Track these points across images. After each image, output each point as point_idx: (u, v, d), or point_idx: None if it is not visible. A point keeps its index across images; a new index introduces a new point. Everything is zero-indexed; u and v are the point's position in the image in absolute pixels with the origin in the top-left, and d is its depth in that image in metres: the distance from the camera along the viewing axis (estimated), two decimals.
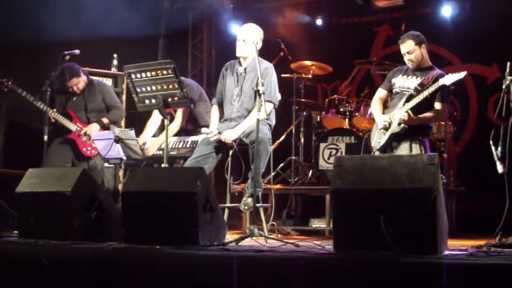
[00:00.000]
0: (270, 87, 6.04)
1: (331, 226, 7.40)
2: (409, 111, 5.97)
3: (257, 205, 5.67)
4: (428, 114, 6.07)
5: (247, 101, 6.02)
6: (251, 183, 5.80)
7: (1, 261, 4.29)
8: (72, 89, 7.12)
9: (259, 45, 6.14)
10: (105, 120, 7.15)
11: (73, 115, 7.08)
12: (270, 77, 6.07)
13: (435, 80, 6.02)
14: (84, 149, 7.01)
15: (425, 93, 5.93)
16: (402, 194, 3.85)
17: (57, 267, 4.06)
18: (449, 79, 5.83)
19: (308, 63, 8.64)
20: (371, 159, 4.15)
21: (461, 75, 5.81)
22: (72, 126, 7.01)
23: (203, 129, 6.16)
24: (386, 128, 6.13)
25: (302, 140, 8.81)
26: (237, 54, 6.21)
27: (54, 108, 7.00)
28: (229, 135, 5.92)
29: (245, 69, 6.19)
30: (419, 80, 6.12)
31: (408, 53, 6.16)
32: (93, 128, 7.03)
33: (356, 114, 8.09)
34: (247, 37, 6.15)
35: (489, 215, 8.37)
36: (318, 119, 8.64)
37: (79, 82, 7.13)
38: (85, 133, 6.97)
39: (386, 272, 3.43)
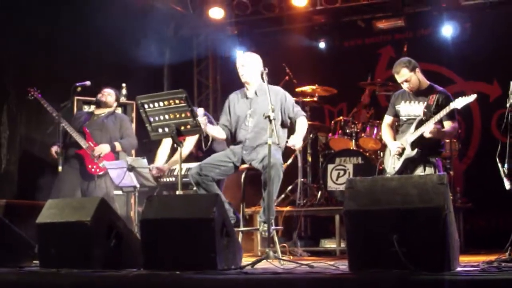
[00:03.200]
0: (294, 104, 6.33)
1: (341, 246, 7.52)
2: (438, 126, 6.08)
3: (273, 227, 5.77)
4: (447, 129, 6.19)
5: (262, 121, 6.03)
6: (263, 211, 5.93)
7: None
8: (100, 98, 7.43)
9: (260, 69, 6.27)
10: (117, 145, 7.32)
11: (88, 134, 7.24)
12: (291, 99, 6.35)
13: (439, 99, 6.13)
14: (90, 166, 7.13)
15: (437, 117, 6.03)
16: (413, 214, 3.94)
17: None
18: (459, 103, 5.94)
19: (312, 87, 8.76)
20: (382, 181, 4.25)
21: (471, 98, 5.91)
22: (83, 143, 7.15)
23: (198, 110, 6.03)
24: (400, 154, 6.25)
25: (310, 162, 8.92)
26: (242, 80, 6.33)
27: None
28: (296, 142, 6.03)
29: (255, 92, 6.31)
30: (422, 105, 6.22)
31: (405, 81, 6.24)
32: (104, 149, 7.20)
33: (363, 135, 8.19)
34: (245, 61, 6.32)
35: (497, 231, 8.53)
36: (325, 140, 8.76)
37: (110, 95, 7.48)
38: (94, 151, 7.11)
39: None
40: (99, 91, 7.55)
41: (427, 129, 6.06)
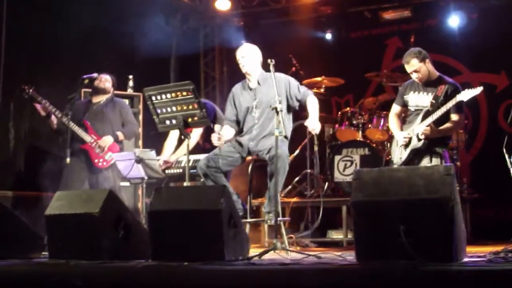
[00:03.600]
0: (299, 86, 6.35)
1: (348, 237, 7.55)
2: (431, 125, 6.09)
3: (280, 219, 5.78)
4: (447, 125, 6.18)
5: (268, 111, 6.12)
6: (268, 202, 5.96)
7: (34, 282, 4.40)
8: (98, 84, 7.30)
9: (260, 60, 6.32)
10: (119, 134, 7.26)
11: (89, 126, 7.15)
12: (295, 81, 6.36)
13: (448, 91, 6.13)
14: (96, 161, 7.07)
15: (443, 109, 6.03)
16: (420, 205, 3.97)
17: (89, 286, 4.17)
18: (466, 95, 5.93)
19: (319, 78, 8.77)
20: (389, 172, 4.27)
21: (477, 91, 5.90)
22: (86, 137, 7.09)
23: (216, 128, 6.21)
24: (406, 144, 6.25)
25: (317, 153, 8.92)
26: (243, 70, 6.34)
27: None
28: (315, 126, 6.02)
29: (258, 81, 6.32)
30: (430, 95, 6.22)
31: (415, 71, 6.24)
32: (107, 141, 7.14)
33: (369, 126, 8.21)
34: (244, 53, 6.33)
35: (504, 222, 8.53)
36: (332, 132, 8.77)
37: (108, 80, 7.35)
38: (98, 145, 7.10)
39: (409, 280, 3.53)
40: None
41: (419, 131, 6.11)
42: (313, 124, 6.00)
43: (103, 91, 7.39)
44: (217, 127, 6.12)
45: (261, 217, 6.73)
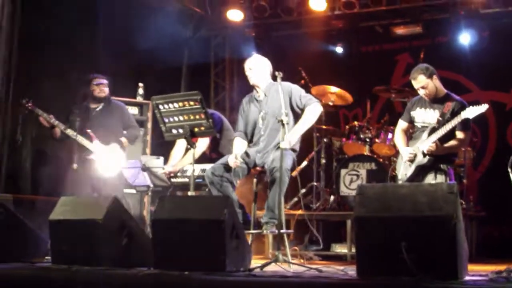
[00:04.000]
0: (306, 94, 6.27)
1: (352, 251, 7.52)
2: (437, 142, 6.08)
3: (282, 231, 5.77)
4: (453, 143, 6.15)
5: (273, 122, 6.09)
6: (265, 212, 5.95)
7: (36, 287, 4.44)
8: (97, 93, 7.21)
9: (269, 71, 6.30)
10: (123, 140, 7.23)
11: (91, 135, 7.07)
12: (299, 89, 6.27)
13: (454, 108, 6.12)
14: (101, 168, 7.02)
15: (448, 126, 6.00)
16: (423, 222, 3.97)
17: None
18: (471, 112, 5.90)
19: (330, 89, 8.76)
20: (392, 188, 4.27)
21: (482, 108, 5.86)
22: (91, 146, 7.02)
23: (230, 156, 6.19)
24: (411, 160, 6.24)
25: (323, 166, 8.93)
26: (250, 82, 6.35)
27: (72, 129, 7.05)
28: (285, 142, 5.67)
29: (264, 93, 6.31)
30: (437, 112, 6.21)
31: (422, 87, 6.21)
32: (115, 149, 7.11)
33: (377, 140, 8.20)
34: (252, 65, 6.34)
35: (510, 240, 8.49)
36: (339, 145, 8.77)
37: (106, 86, 7.27)
38: (105, 154, 7.07)
39: None
40: (87, 85, 7.29)
41: (424, 147, 6.09)
42: (286, 138, 5.69)
43: (103, 99, 7.32)
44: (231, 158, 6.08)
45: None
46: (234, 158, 6.02)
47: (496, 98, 9.17)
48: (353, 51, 10.29)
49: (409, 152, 6.24)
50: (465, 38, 9.31)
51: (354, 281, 4.02)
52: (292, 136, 5.93)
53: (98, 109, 7.28)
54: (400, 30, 9.79)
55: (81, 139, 6.99)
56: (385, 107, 9.37)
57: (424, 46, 9.22)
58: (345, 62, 10.27)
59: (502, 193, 7.02)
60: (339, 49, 10.30)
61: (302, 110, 6.17)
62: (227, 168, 6.06)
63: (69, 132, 6.95)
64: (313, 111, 6.14)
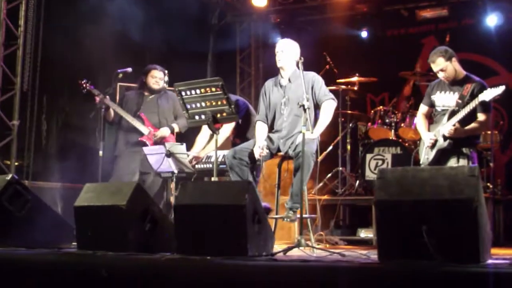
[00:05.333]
0: (325, 88, 6.26)
1: None
2: (457, 124, 6.03)
3: (304, 216, 5.78)
4: (473, 125, 6.12)
5: (296, 108, 6.05)
6: (290, 198, 5.97)
7: (62, 272, 4.50)
8: (152, 84, 7.53)
9: (297, 57, 6.27)
10: (175, 126, 7.49)
11: (145, 118, 7.41)
12: (321, 82, 6.27)
13: (474, 90, 6.07)
14: None
15: (467, 109, 5.97)
16: (443, 205, 3.94)
17: (114, 277, 4.24)
18: (488, 94, 5.85)
19: (354, 74, 8.74)
20: (413, 171, 4.24)
21: (499, 90, 5.81)
22: (144, 129, 7.33)
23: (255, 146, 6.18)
24: (433, 145, 6.21)
25: (349, 151, 8.92)
26: (278, 65, 6.34)
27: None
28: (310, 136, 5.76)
29: (289, 79, 6.31)
30: (456, 95, 6.17)
31: (441, 70, 6.20)
32: (164, 132, 7.38)
33: (402, 125, 8.17)
34: (284, 47, 6.34)
35: None
36: (364, 130, 8.75)
37: (162, 79, 7.56)
38: (156, 136, 7.27)
39: (429, 281, 3.52)
40: (145, 75, 7.60)
41: (445, 131, 6.05)
42: (309, 133, 5.70)
43: (157, 91, 7.58)
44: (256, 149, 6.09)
45: None
46: (259, 149, 6.02)
47: None
48: (378, 35, 10.24)
49: (430, 137, 6.22)
50: (492, 20, 9.21)
51: (375, 265, 4.01)
52: (315, 134, 5.98)
53: (152, 96, 7.59)
54: (425, 13, 9.72)
55: (135, 122, 7.30)
56: (412, 91, 9.29)
57: (450, 29, 9.16)
58: (370, 46, 10.21)
59: None
60: (364, 34, 10.25)
61: (317, 102, 6.20)
62: (251, 157, 6.06)
63: (123, 113, 7.28)
64: (329, 110, 6.17)
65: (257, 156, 6.01)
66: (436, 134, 6.20)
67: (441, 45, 7.91)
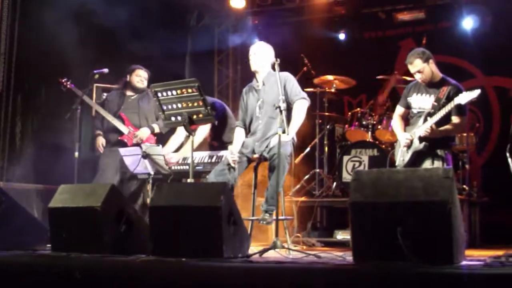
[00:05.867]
0: (297, 88, 6.19)
1: None
2: (433, 125, 6.06)
3: (280, 217, 5.77)
4: (448, 127, 6.15)
5: (270, 110, 6.06)
6: (265, 200, 5.92)
7: (36, 274, 4.46)
8: (136, 83, 7.53)
9: (271, 60, 6.25)
10: (155, 127, 7.47)
11: (125, 118, 7.40)
12: (293, 81, 6.22)
13: (450, 93, 6.10)
14: None
15: (442, 111, 6.01)
16: (418, 207, 3.96)
17: (88, 279, 4.21)
18: (463, 98, 5.89)
19: (330, 77, 8.77)
20: (388, 173, 4.25)
21: (474, 94, 5.85)
22: (124, 128, 7.32)
23: (227, 152, 6.19)
24: (408, 146, 6.24)
25: (326, 153, 8.93)
26: (252, 68, 6.34)
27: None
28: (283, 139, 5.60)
29: (263, 82, 6.29)
30: (433, 97, 6.19)
31: (418, 72, 6.22)
32: (144, 132, 7.36)
33: (379, 127, 8.19)
34: (257, 50, 6.33)
35: None
36: (342, 132, 8.77)
37: (146, 79, 7.56)
38: (136, 136, 7.25)
39: (403, 282, 3.54)
40: (129, 74, 7.58)
41: (420, 132, 6.09)
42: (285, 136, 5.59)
43: (141, 89, 7.56)
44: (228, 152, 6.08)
45: None
46: (230, 154, 6.00)
47: (500, 83, 9.15)
48: (356, 38, 10.24)
49: (406, 137, 6.24)
50: (468, 23, 9.26)
51: (350, 267, 4.03)
52: (289, 135, 5.87)
53: (134, 97, 7.58)
54: (403, 16, 9.77)
55: (115, 121, 7.30)
56: (390, 93, 9.33)
57: (427, 32, 9.19)
58: (348, 48, 10.22)
59: (506, 178, 6.99)
60: (341, 36, 10.25)
61: (289, 102, 6.08)
62: (229, 168, 6.02)
63: (104, 113, 7.30)
64: (301, 110, 6.12)
65: (230, 161, 5.98)
66: (412, 135, 6.23)
67: (418, 48, 7.99)
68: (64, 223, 4.98)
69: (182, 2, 10.05)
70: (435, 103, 6.12)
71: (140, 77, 7.55)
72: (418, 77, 6.25)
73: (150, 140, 7.39)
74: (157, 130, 7.48)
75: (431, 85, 6.26)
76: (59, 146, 7.92)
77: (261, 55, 6.30)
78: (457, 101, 5.91)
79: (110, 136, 7.42)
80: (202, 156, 6.84)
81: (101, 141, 7.38)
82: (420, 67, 6.19)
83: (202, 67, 10.65)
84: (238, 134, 6.36)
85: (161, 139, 7.54)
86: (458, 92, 6.06)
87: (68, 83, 7.21)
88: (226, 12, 10.60)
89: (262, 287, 3.81)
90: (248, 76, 6.79)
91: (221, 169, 6.03)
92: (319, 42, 10.09)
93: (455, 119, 6.14)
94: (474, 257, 4.78)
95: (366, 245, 4.10)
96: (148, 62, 8.57)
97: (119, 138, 7.35)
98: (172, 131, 7.31)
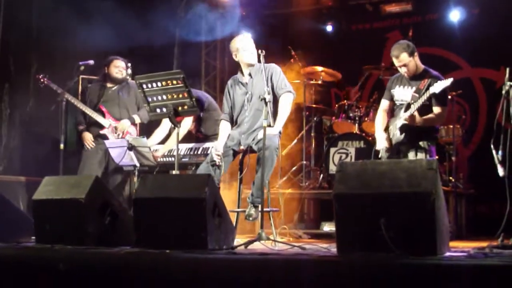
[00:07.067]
0: (283, 80, 6.11)
1: None
2: (414, 113, 6.05)
3: (266, 209, 5.76)
4: (429, 116, 6.15)
5: (258, 103, 6.02)
6: (253, 193, 5.89)
7: (20, 266, 4.45)
8: (115, 74, 7.47)
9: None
10: (135, 117, 7.42)
11: (105, 111, 7.36)
12: (279, 73, 6.14)
13: (429, 84, 6.07)
14: None
15: (420, 101, 6.00)
16: (401, 198, 3.97)
17: (72, 271, 4.21)
18: (438, 86, 5.88)
19: (318, 69, 8.77)
20: (372, 165, 4.25)
21: (447, 82, 5.85)
22: (104, 122, 7.29)
23: (212, 149, 6.14)
24: (390, 139, 6.25)
25: (314, 145, 8.93)
26: (251, 63, 6.20)
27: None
28: (270, 132, 5.68)
29: (250, 75, 6.22)
30: (414, 89, 6.19)
31: (404, 65, 6.21)
32: (125, 124, 7.32)
33: (366, 119, 8.20)
34: (250, 43, 6.24)
35: (500, 217, 8.50)
36: (329, 124, 8.77)
37: (124, 68, 7.53)
38: (117, 129, 7.22)
39: (386, 273, 3.55)
40: (107, 66, 7.53)
41: (400, 123, 6.11)
42: (272, 129, 5.69)
43: (121, 80, 7.54)
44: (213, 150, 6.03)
45: None
46: (215, 152, 5.95)
47: (486, 75, 9.17)
48: (343, 30, 10.26)
49: (381, 145, 6.32)
50: (455, 16, 9.29)
51: (333, 258, 4.03)
52: (276, 129, 5.87)
53: (114, 88, 7.53)
54: (390, 8, 9.79)
55: (95, 115, 7.26)
56: (375, 86, 9.35)
57: (414, 24, 9.22)
58: (335, 40, 10.24)
59: (492, 170, 7.02)
60: (329, 28, 10.26)
61: (274, 94, 6.07)
62: (214, 165, 5.96)
63: (83, 107, 7.26)
64: (287, 103, 6.04)
65: (215, 158, 5.94)
66: (393, 127, 6.24)
67: (405, 40, 7.99)
68: (48, 215, 4.97)
69: None
70: (416, 94, 6.10)
71: (118, 67, 7.50)
72: (403, 70, 6.23)
73: (131, 131, 7.35)
74: (137, 120, 7.43)
75: (414, 77, 6.26)
76: (45, 138, 7.90)
77: (253, 48, 6.19)
78: (432, 90, 5.90)
79: (92, 130, 7.36)
80: (187, 148, 6.82)
81: (88, 136, 7.31)
82: (407, 61, 6.18)
83: (190, 59, 10.61)
84: (223, 128, 6.29)
85: (145, 130, 7.52)
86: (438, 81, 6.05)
87: (45, 79, 7.15)
88: (213, 2, 10.55)
89: (246, 279, 3.80)
90: (235, 68, 6.75)
91: (206, 167, 5.98)
92: (306, 34, 10.07)
93: (436, 110, 6.15)
94: (459, 249, 4.80)
95: (350, 236, 4.11)
96: (136, 54, 8.57)
97: (99, 132, 7.30)
98: (156, 122, 7.28)
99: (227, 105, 6.36)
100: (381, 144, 6.32)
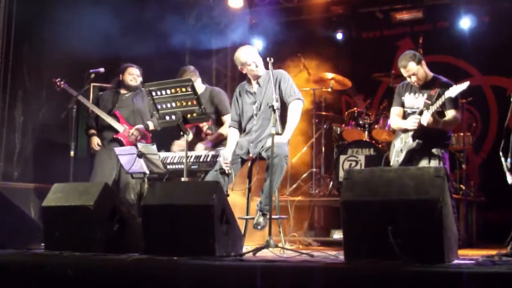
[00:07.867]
0: (292, 87, 6.07)
1: None
2: (434, 114, 6.01)
3: (274, 217, 5.76)
4: (449, 117, 6.12)
5: (267, 111, 5.98)
6: (262, 200, 5.86)
7: (29, 272, 4.47)
8: (129, 81, 7.54)
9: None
10: (150, 124, 7.46)
11: (120, 116, 7.41)
12: (288, 79, 6.11)
13: (441, 90, 6.06)
14: None
15: (434, 107, 5.98)
16: (409, 205, 3.96)
17: (80, 277, 4.23)
18: (454, 90, 5.87)
19: (328, 76, 8.75)
20: (379, 172, 4.25)
21: (464, 86, 5.84)
22: (119, 127, 7.34)
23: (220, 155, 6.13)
24: (402, 147, 6.22)
25: (323, 152, 8.93)
26: (259, 74, 6.17)
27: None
28: (278, 140, 5.61)
29: (258, 83, 6.19)
30: (425, 96, 6.17)
31: (413, 74, 6.18)
32: (141, 129, 7.35)
33: (376, 126, 8.19)
34: (254, 57, 6.16)
35: (510, 225, 8.45)
36: (339, 131, 8.77)
37: (139, 76, 7.59)
38: (132, 134, 7.26)
39: (393, 280, 3.55)
40: (121, 73, 7.58)
41: (424, 119, 6.02)
42: (281, 138, 5.70)
43: (135, 87, 7.60)
44: (221, 156, 6.03)
45: None
46: (223, 160, 5.93)
47: (497, 83, 9.15)
48: (353, 37, 10.27)
49: (413, 121, 6.14)
50: (466, 23, 9.28)
51: (340, 265, 4.03)
52: (285, 137, 5.87)
53: (128, 94, 7.60)
54: (401, 16, 9.77)
55: (110, 119, 7.33)
56: (386, 93, 9.34)
57: (425, 32, 9.22)
58: (345, 48, 10.25)
59: (503, 178, 6.99)
60: (339, 36, 10.26)
61: (285, 103, 6.03)
62: (223, 173, 5.95)
63: (98, 111, 7.34)
64: (296, 111, 6.01)
65: (223, 166, 5.93)
66: (405, 136, 6.21)
67: (416, 47, 8.00)
68: (57, 222, 5.00)
69: (180, 2, 10.05)
70: (428, 101, 6.08)
71: (132, 75, 7.56)
72: (413, 80, 6.20)
73: (145, 137, 7.40)
74: (151, 127, 7.46)
75: (424, 85, 6.24)
76: (56, 145, 7.93)
77: (258, 60, 6.16)
78: (448, 94, 5.88)
79: (105, 134, 7.42)
80: (198, 155, 6.82)
81: (96, 140, 7.38)
82: (415, 70, 6.16)
83: (201, 67, 10.62)
84: (232, 136, 6.28)
85: (157, 137, 7.54)
86: (448, 88, 6.02)
87: (62, 83, 7.24)
88: (224, 11, 10.59)
89: (253, 286, 3.80)
90: (245, 75, 6.77)
91: (215, 175, 5.96)
92: (317, 41, 10.09)
93: (451, 113, 6.12)
94: (468, 256, 4.78)
95: (358, 244, 4.11)
96: (148, 62, 8.60)
97: (114, 136, 7.35)
98: (166, 129, 7.28)
99: (236, 113, 6.35)
100: (412, 124, 6.13)
